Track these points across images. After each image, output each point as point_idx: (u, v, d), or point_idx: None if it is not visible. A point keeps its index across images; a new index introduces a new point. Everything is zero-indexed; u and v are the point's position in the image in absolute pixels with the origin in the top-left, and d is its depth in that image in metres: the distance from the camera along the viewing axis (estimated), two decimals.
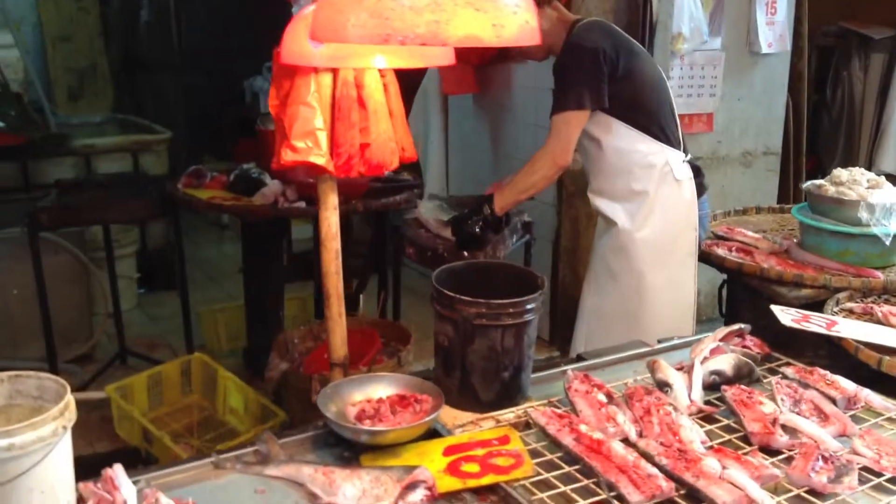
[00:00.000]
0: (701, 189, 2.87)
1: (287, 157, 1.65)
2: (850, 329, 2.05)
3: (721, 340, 2.02)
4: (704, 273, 2.95)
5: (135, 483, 1.47)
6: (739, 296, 2.83)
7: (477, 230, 2.75)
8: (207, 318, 4.32)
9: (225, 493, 1.53)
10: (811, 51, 5.26)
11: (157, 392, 3.36)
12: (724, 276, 2.95)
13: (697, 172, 2.89)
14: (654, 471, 1.50)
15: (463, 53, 4.40)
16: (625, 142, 2.77)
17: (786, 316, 2.10)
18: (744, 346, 2.04)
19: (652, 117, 2.79)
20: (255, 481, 1.55)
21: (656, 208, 2.81)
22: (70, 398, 1.38)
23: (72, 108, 7.89)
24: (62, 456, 1.36)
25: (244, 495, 1.52)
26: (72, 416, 1.37)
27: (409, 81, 4.91)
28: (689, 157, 2.88)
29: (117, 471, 1.46)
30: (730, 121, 4.47)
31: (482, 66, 4.57)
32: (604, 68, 2.66)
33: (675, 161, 2.81)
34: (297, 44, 1.54)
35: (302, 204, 3.18)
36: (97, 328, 4.37)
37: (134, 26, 8.05)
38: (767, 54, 4.43)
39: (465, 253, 2.69)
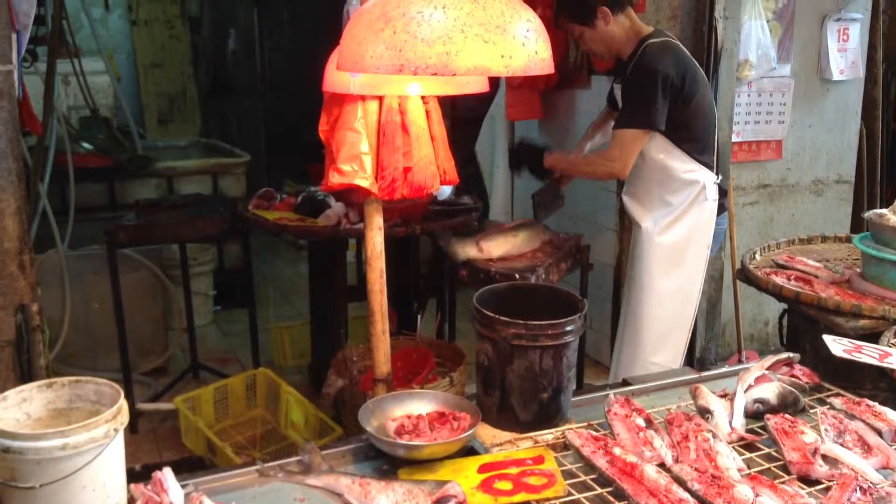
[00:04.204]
0: (721, 209, 3.10)
1: (334, 179, 1.73)
2: None
3: (769, 369, 2.01)
4: (769, 303, 2.91)
5: (183, 487, 1.55)
6: (798, 325, 2.78)
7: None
8: (275, 335, 4.45)
9: (266, 499, 1.60)
10: (891, 77, 5.12)
11: (222, 405, 3.47)
12: (785, 306, 2.90)
13: (723, 194, 3.11)
14: (686, 496, 1.50)
15: (528, 80, 4.48)
16: (668, 158, 2.97)
17: (837, 346, 2.05)
18: (792, 376, 2.01)
19: (698, 140, 2.97)
20: (295, 489, 1.62)
21: (681, 220, 3.03)
22: (123, 403, 1.48)
23: (162, 131, 8.25)
24: (114, 456, 1.46)
25: (284, 503, 1.58)
26: (124, 419, 1.46)
27: (476, 108, 5.00)
28: (719, 178, 3.06)
29: (166, 474, 1.54)
30: (800, 148, 4.38)
31: (547, 92, 4.60)
32: (668, 94, 2.84)
33: (709, 182, 3.00)
34: (336, 73, 1.62)
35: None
36: (172, 342, 4.53)
37: (222, 53, 8.34)
38: (839, 81, 4.34)
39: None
